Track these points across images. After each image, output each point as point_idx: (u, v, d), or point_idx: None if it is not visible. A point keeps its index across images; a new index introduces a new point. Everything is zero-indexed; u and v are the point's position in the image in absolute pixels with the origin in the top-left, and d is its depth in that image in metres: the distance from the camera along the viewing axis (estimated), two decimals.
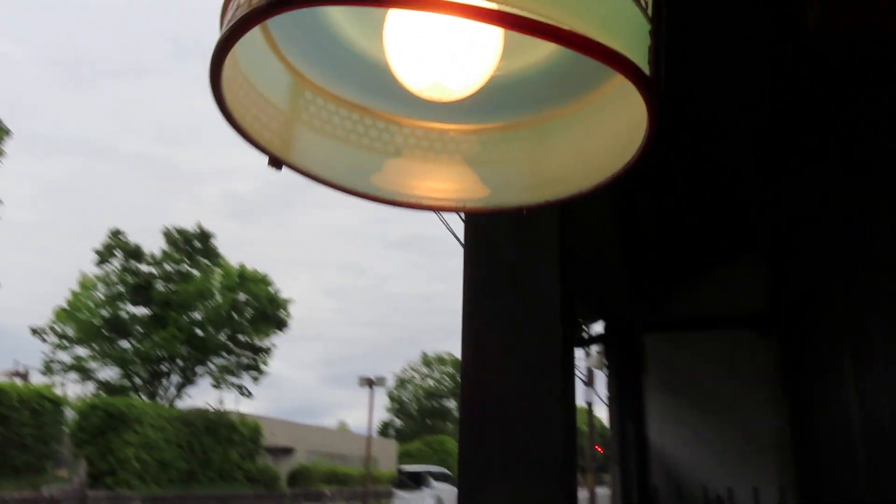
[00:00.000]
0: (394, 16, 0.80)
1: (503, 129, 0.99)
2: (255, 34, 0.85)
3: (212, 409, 25.85)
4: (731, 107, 3.46)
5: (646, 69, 0.67)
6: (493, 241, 1.63)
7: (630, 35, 0.67)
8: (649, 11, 0.70)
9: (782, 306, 5.47)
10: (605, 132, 0.90)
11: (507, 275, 1.67)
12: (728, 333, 6.24)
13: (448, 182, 1.01)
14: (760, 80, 3.21)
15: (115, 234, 26.58)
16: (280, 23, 0.86)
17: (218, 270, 27.89)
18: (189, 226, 28.48)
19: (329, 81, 0.94)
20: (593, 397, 20.11)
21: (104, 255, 26.44)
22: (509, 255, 1.64)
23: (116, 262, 26.59)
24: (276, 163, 0.92)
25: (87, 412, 20.91)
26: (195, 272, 27.36)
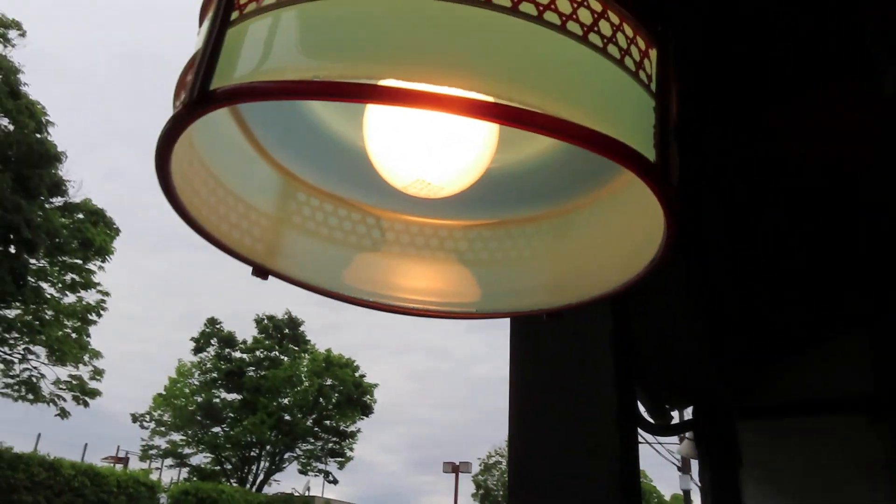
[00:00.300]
0: (371, 108, 0.71)
1: (502, 225, 0.88)
2: (231, 138, 0.79)
3: (297, 495, 25.75)
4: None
5: (649, 154, 0.55)
6: (539, 336, 1.49)
7: (626, 115, 0.55)
8: (653, 86, 0.59)
9: (892, 388, 4.92)
10: (621, 227, 0.77)
11: (553, 373, 1.51)
12: (831, 420, 5.66)
13: (448, 284, 0.89)
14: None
15: (212, 322, 27.68)
16: (258, 119, 0.79)
17: (306, 356, 28.43)
18: (280, 312, 29.38)
19: (318, 177, 0.87)
20: (690, 485, 18.76)
21: (201, 343, 27.51)
22: (555, 350, 1.49)
23: (212, 350, 27.58)
24: (260, 272, 0.84)
25: (179, 498, 21.27)
26: (284, 358, 27.98)
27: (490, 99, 0.48)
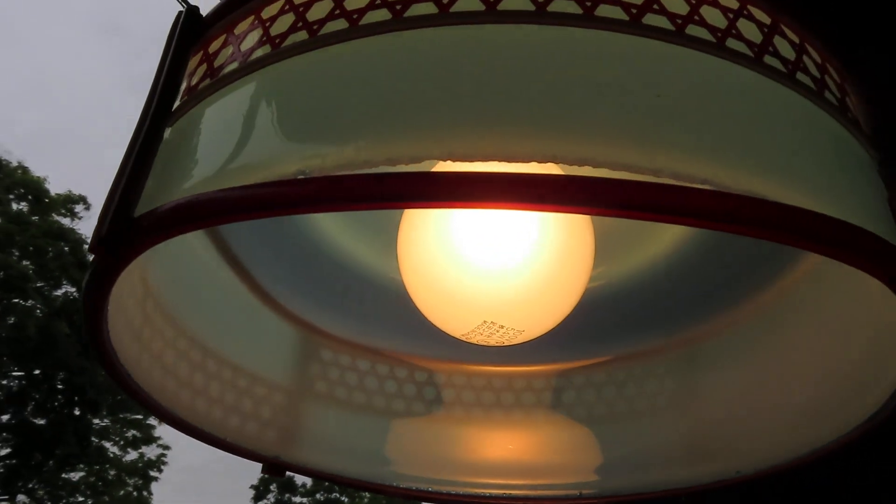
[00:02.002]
0: (406, 219, 0.49)
1: (615, 364, 0.63)
2: (223, 286, 0.58)
3: None
4: None
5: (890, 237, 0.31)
6: None
7: (846, 184, 0.32)
8: (864, 128, 0.35)
9: None
10: (799, 356, 0.51)
11: None
12: None
13: (542, 455, 0.63)
14: None
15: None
16: (254, 254, 0.58)
17: (365, 494, 27.39)
18: None
19: (345, 326, 0.64)
20: None
21: (260, 490, 26.83)
22: None
23: (272, 496, 26.83)
24: (274, 469, 0.59)
25: None
26: (345, 499, 26.97)
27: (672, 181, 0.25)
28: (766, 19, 0.33)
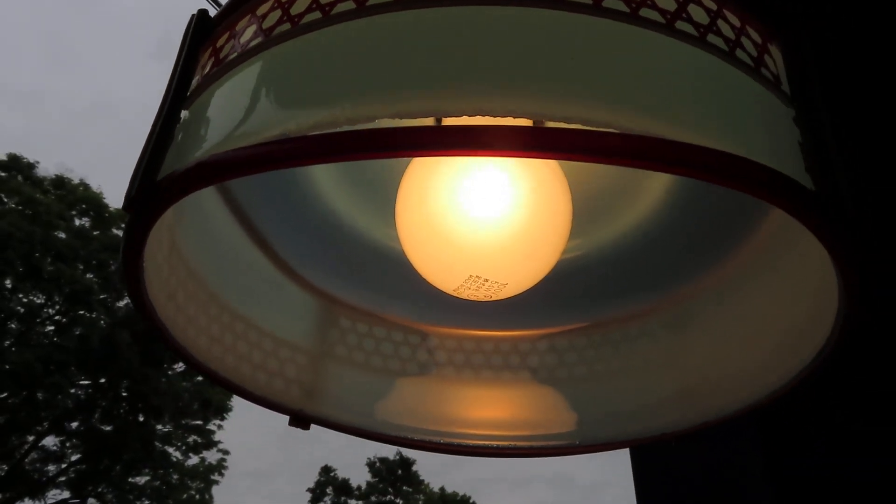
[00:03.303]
0: (405, 188, 0.56)
1: (596, 328, 0.68)
2: (249, 260, 0.65)
3: None
4: None
5: (804, 180, 0.36)
6: (668, 466, 1.21)
7: (752, 130, 0.36)
8: (784, 89, 0.40)
9: None
10: (764, 309, 0.56)
11: None
12: None
13: (538, 412, 0.69)
14: None
15: (326, 471, 27.53)
16: (278, 232, 0.65)
17: (420, 497, 27.52)
18: (391, 454, 28.91)
19: (363, 296, 0.70)
20: None
21: (317, 493, 27.24)
22: (690, 481, 1.20)
23: (328, 499, 27.22)
24: (300, 421, 0.66)
25: None
26: (399, 501, 27.18)
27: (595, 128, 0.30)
28: None
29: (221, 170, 0.35)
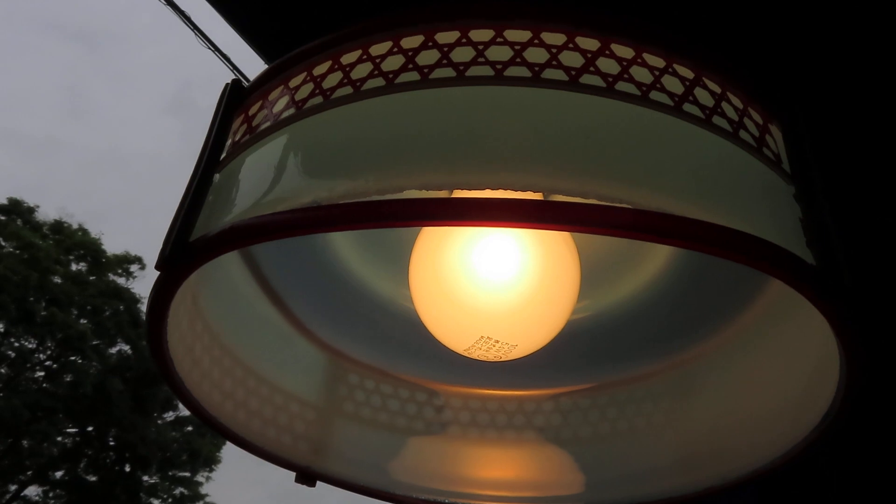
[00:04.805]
0: (416, 248, 0.58)
1: (601, 390, 0.69)
2: (261, 315, 0.67)
3: None
4: None
5: (805, 255, 0.38)
6: None
7: (756, 207, 0.39)
8: (785, 167, 0.42)
9: None
10: (766, 375, 0.57)
11: None
12: None
13: (547, 473, 0.69)
14: None
15: None
16: (291, 288, 0.67)
17: None
18: None
19: (371, 353, 0.72)
20: None
21: None
22: None
23: None
24: (306, 477, 0.66)
25: None
26: None
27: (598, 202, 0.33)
28: (690, 74, 0.41)
29: (253, 234, 0.37)
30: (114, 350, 14.19)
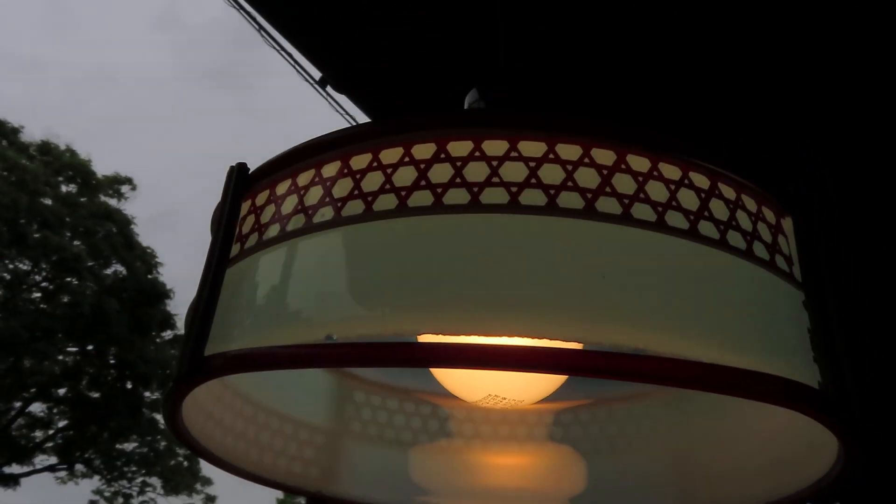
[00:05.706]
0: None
1: (602, 405, 0.71)
2: None
3: None
4: None
5: (808, 376, 0.38)
6: None
7: (761, 324, 0.39)
8: (796, 272, 0.43)
9: None
10: (763, 421, 0.59)
11: None
12: None
13: (534, 482, 0.72)
14: None
15: None
16: None
17: None
18: None
19: (375, 370, 0.73)
20: None
21: None
22: None
23: None
24: (317, 502, 0.69)
25: None
26: None
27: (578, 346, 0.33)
28: (706, 183, 0.40)
29: (266, 364, 0.37)
30: (109, 271, 14.24)
